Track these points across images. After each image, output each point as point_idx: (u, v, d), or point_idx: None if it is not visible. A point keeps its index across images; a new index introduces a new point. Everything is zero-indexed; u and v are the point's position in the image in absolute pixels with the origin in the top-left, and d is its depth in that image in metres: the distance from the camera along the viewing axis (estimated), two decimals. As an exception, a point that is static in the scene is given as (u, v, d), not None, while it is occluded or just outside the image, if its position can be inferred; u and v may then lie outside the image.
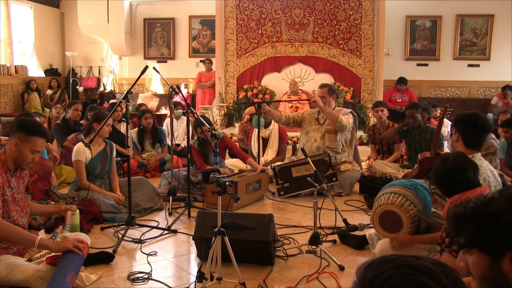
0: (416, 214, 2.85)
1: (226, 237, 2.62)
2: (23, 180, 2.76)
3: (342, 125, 4.94)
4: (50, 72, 11.21)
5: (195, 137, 5.21)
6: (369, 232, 3.35)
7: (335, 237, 3.58)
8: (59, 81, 10.92)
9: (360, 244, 3.40)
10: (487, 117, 2.81)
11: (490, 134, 5.07)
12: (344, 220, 3.28)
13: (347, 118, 5.01)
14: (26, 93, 9.92)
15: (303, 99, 6.08)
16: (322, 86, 5.26)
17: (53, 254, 2.56)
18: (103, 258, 3.07)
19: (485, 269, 1.09)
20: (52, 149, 5.48)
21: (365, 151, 6.61)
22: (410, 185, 3.02)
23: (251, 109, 6.10)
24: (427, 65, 10.07)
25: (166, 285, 2.80)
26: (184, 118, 7.20)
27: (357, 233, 3.45)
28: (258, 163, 5.13)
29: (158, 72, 4.25)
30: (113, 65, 11.40)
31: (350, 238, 3.46)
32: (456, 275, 0.87)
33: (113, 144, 4.50)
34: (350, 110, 5.30)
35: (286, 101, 7.87)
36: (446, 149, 5.99)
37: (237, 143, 5.97)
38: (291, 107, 7.98)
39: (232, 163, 5.59)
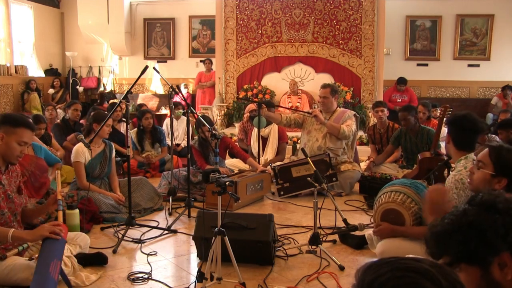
0: (418, 212, 2.85)
1: (226, 237, 2.62)
2: (15, 180, 2.75)
3: (345, 135, 4.98)
4: (50, 72, 11.21)
5: (195, 137, 5.21)
6: (369, 232, 3.35)
7: (335, 237, 3.58)
8: (61, 81, 10.93)
9: (360, 244, 3.41)
10: (477, 118, 2.78)
11: (493, 136, 5.07)
12: (344, 220, 3.28)
13: (349, 125, 5.01)
14: (26, 93, 9.93)
15: (303, 111, 6.03)
16: (325, 86, 5.25)
17: None
18: (97, 260, 3.05)
19: (478, 282, 1.09)
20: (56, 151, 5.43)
21: (365, 151, 6.60)
22: (410, 184, 3.03)
23: (250, 107, 6.10)
24: (427, 65, 10.07)
25: (166, 285, 2.80)
26: (184, 118, 7.20)
27: (356, 233, 3.45)
28: (258, 162, 5.13)
29: (158, 72, 4.25)
30: (113, 65, 11.40)
31: (350, 238, 3.47)
32: (456, 277, 0.87)
33: (113, 145, 4.50)
34: (354, 112, 5.28)
35: (287, 108, 7.82)
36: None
37: (237, 143, 5.97)
38: (291, 107, 7.97)
39: (232, 163, 5.59)
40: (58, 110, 8.72)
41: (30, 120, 2.75)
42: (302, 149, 3.81)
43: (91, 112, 6.02)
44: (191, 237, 3.25)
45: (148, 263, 3.12)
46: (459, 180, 2.50)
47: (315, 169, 3.32)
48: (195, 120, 5.21)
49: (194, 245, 3.23)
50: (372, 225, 3.49)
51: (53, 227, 2.51)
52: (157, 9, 11.00)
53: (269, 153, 5.74)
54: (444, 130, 6.15)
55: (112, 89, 11.34)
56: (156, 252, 3.32)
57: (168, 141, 6.17)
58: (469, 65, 9.95)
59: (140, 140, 6.07)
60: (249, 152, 5.78)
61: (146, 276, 2.90)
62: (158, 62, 10.75)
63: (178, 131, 7.40)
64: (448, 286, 0.83)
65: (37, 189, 3.89)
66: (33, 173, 3.81)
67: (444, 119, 4.79)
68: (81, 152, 4.18)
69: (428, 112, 6.17)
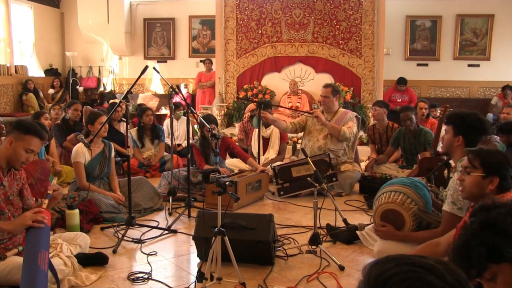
0: (417, 213, 2.85)
1: (226, 237, 2.62)
2: (17, 182, 2.73)
3: (346, 137, 4.98)
4: (50, 72, 11.21)
5: (195, 137, 5.21)
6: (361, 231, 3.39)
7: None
8: (61, 81, 10.93)
9: (350, 239, 3.47)
10: (485, 119, 2.82)
11: (493, 136, 5.08)
12: (344, 220, 3.28)
13: (350, 127, 5.01)
14: (24, 94, 9.93)
15: (304, 111, 6.03)
16: (326, 86, 5.25)
17: None
18: (97, 260, 3.06)
19: None
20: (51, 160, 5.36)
21: (365, 151, 6.60)
22: (410, 183, 3.02)
23: (252, 106, 6.10)
24: (427, 65, 10.07)
25: (166, 285, 2.80)
26: (184, 118, 7.20)
27: None
28: (258, 162, 5.14)
29: (158, 72, 4.26)
30: (113, 65, 11.40)
31: (341, 233, 3.50)
32: (461, 274, 0.87)
33: (112, 145, 4.50)
34: (355, 114, 5.28)
35: (287, 108, 7.82)
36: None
37: (237, 143, 5.97)
38: (291, 107, 7.98)
39: (232, 163, 5.59)
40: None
41: (41, 130, 2.71)
42: (302, 149, 3.81)
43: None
44: (191, 237, 3.25)
45: (148, 263, 3.12)
46: None
47: (315, 169, 3.32)
48: (196, 120, 5.20)
49: (194, 245, 3.22)
50: (372, 225, 3.49)
51: (35, 215, 2.45)
52: (157, 9, 11.00)
53: (271, 153, 5.75)
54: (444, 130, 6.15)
55: (112, 89, 11.34)
56: (156, 252, 3.32)
57: (168, 141, 6.18)
58: (469, 65, 9.95)
59: (141, 137, 6.10)
60: (249, 152, 5.78)
61: (146, 276, 2.90)
62: (158, 62, 10.75)
63: (178, 131, 7.41)
64: (452, 281, 0.84)
65: (41, 194, 3.88)
66: (38, 179, 3.80)
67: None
68: (81, 153, 4.18)
69: (428, 109, 6.18)
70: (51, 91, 10.49)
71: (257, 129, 5.40)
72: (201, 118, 4.53)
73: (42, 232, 2.43)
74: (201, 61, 10.37)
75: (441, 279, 0.83)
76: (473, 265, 1.13)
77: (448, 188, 2.64)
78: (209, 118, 5.09)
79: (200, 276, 2.60)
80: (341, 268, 3.01)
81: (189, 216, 4.18)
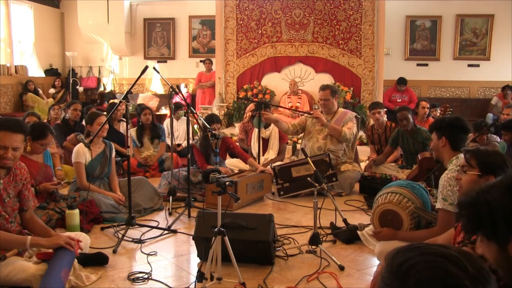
0: (415, 211, 2.86)
1: (226, 237, 2.62)
2: (16, 184, 2.71)
3: (346, 138, 4.99)
4: (50, 72, 11.22)
5: (196, 137, 5.21)
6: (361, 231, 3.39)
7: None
8: (62, 81, 10.94)
9: (350, 239, 3.49)
10: (465, 120, 2.87)
11: (493, 136, 5.08)
12: (344, 220, 3.28)
13: (350, 128, 5.01)
14: (24, 94, 9.93)
15: (304, 111, 6.02)
16: (324, 88, 5.22)
17: (43, 250, 2.60)
18: (97, 260, 3.06)
19: (495, 255, 1.09)
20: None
21: (365, 151, 6.61)
22: (406, 184, 3.04)
23: (251, 107, 6.09)
24: (427, 65, 10.08)
25: (166, 285, 2.81)
26: (184, 118, 7.20)
27: None
28: (258, 163, 5.14)
29: (158, 72, 4.26)
30: (113, 65, 11.40)
31: (341, 232, 3.51)
32: (482, 265, 0.88)
33: (113, 145, 4.49)
34: (355, 114, 5.27)
35: (287, 108, 7.82)
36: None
37: (237, 143, 5.97)
38: (291, 107, 7.98)
39: (233, 163, 5.59)
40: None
41: (11, 122, 2.60)
42: (302, 149, 3.81)
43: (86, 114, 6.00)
44: (191, 237, 3.25)
45: (148, 263, 3.12)
46: (452, 178, 2.52)
47: (315, 169, 3.32)
48: (196, 121, 5.20)
49: (194, 245, 3.22)
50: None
51: (69, 239, 2.61)
52: (157, 9, 11.00)
53: (271, 154, 5.75)
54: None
55: (112, 89, 11.35)
56: (156, 252, 3.32)
57: (168, 141, 6.18)
58: (469, 65, 9.95)
59: (139, 137, 6.10)
60: (249, 152, 5.78)
61: (146, 276, 2.90)
62: (158, 62, 10.76)
63: (178, 131, 7.40)
64: (474, 273, 0.85)
65: (42, 197, 3.87)
66: (40, 182, 3.80)
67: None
68: (82, 153, 4.18)
69: (429, 109, 6.19)
70: (52, 90, 10.51)
71: (256, 129, 5.40)
72: (203, 121, 4.52)
73: (70, 254, 2.59)
74: (201, 61, 10.38)
75: (462, 270, 0.84)
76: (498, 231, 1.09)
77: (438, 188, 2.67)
78: (215, 118, 5.10)
79: (200, 276, 2.60)
80: (341, 268, 3.01)
81: (189, 216, 4.18)
